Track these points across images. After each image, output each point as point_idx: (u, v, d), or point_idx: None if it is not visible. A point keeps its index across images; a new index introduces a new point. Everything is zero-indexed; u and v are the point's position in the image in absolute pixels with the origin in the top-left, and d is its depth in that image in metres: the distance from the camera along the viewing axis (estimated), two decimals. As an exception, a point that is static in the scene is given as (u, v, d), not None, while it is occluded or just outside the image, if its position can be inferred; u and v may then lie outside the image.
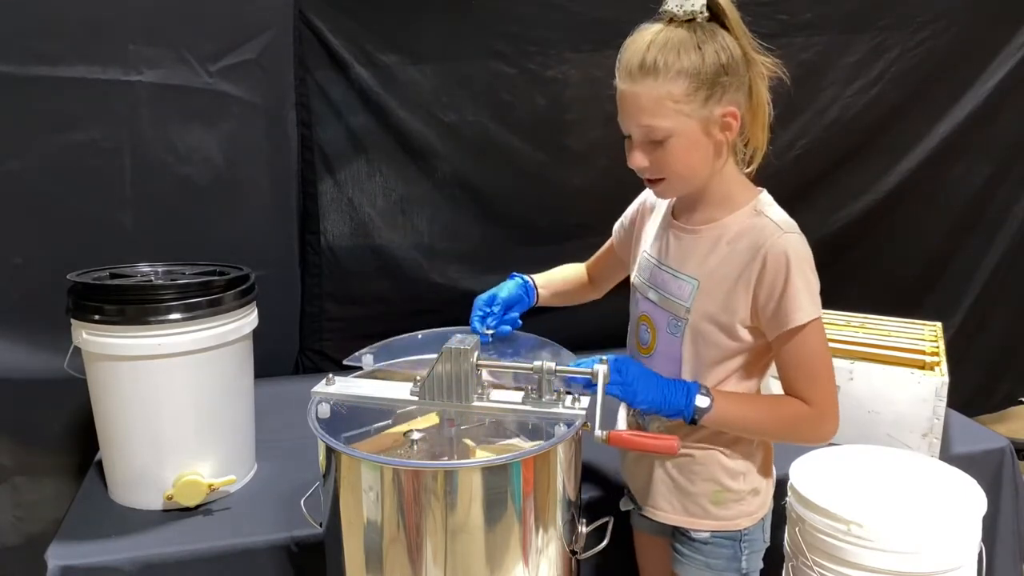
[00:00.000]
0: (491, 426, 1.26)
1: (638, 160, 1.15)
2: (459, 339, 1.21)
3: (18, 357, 1.87)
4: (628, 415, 1.32)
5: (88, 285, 1.45)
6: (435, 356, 1.19)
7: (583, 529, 1.23)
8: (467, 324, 1.38)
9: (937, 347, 1.81)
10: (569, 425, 1.14)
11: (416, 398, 1.22)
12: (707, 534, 1.26)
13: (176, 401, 1.47)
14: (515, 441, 1.22)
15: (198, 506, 1.50)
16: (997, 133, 2.50)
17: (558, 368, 1.18)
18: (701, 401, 1.14)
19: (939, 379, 1.65)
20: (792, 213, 1.18)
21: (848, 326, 1.96)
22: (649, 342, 1.26)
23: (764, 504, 1.28)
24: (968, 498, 1.31)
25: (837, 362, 1.68)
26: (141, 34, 1.86)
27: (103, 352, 1.43)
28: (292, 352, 2.26)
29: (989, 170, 2.56)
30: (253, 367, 1.63)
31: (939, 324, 1.98)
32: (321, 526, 1.23)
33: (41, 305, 1.74)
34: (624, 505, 1.40)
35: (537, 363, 1.18)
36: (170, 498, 1.47)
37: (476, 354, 1.19)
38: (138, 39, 1.86)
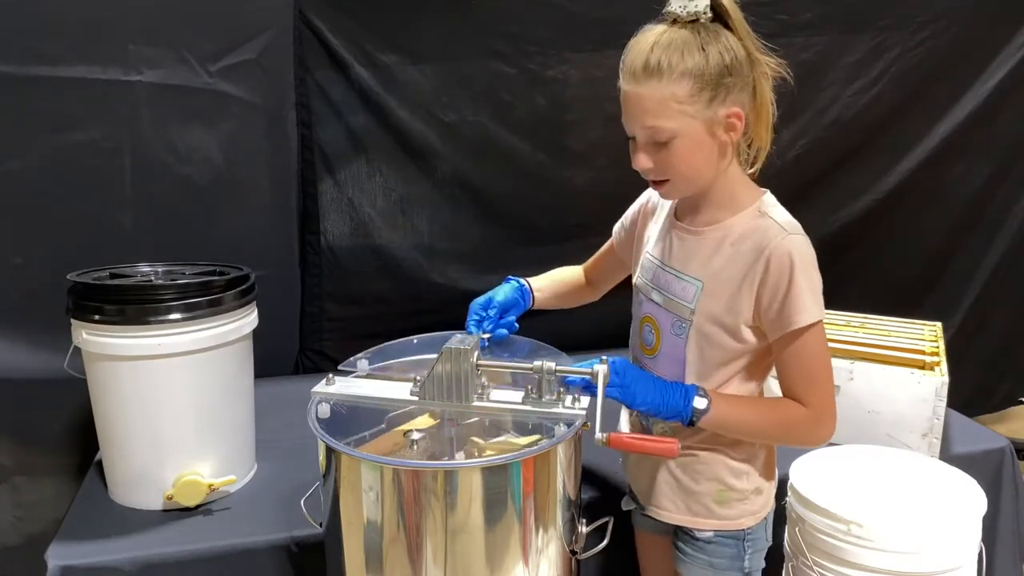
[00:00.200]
0: (489, 424, 1.26)
1: (642, 161, 1.15)
2: (459, 339, 1.21)
3: (18, 357, 1.87)
4: (631, 416, 1.33)
5: (88, 285, 1.45)
6: (435, 356, 1.19)
7: (583, 529, 1.23)
8: (465, 326, 1.37)
9: (937, 347, 1.81)
10: (569, 425, 1.14)
11: (416, 398, 1.22)
12: (711, 533, 1.26)
13: (176, 401, 1.47)
14: (506, 437, 1.22)
15: (198, 506, 1.50)
16: (997, 133, 2.50)
17: (558, 368, 1.18)
18: (699, 403, 1.14)
19: (939, 379, 1.65)
20: (792, 213, 1.18)
21: (848, 326, 1.96)
22: (653, 343, 1.25)
23: (767, 503, 1.28)
24: (968, 498, 1.31)
25: (837, 362, 1.69)
26: (141, 34, 1.86)
27: (103, 352, 1.43)
28: (292, 352, 2.26)
29: (989, 170, 2.56)
30: (253, 367, 1.63)
31: (939, 324, 1.98)
32: (321, 526, 1.23)
33: (41, 305, 1.74)
34: (626, 505, 1.40)
35: (537, 363, 1.18)
36: (170, 498, 1.47)
37: (476, 354, 1.19)
38: (138, 39, 1.86)
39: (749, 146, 1.19)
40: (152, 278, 1.58)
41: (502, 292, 1.41)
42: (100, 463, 1.59)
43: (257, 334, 1.60)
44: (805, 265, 1.12)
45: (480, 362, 1.20)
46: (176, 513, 1.49)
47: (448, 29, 2.12)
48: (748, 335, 1.17)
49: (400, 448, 1.22)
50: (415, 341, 1.41)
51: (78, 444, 1.92)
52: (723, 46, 1.09)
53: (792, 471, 1.38)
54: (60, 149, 1.85)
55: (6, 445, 1.92)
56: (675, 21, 1.10)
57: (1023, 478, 1.79)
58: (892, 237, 2.56)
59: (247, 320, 1.55)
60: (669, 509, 1.28)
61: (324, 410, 1.22)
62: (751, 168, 1.21)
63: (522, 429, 1.23)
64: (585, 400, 1.20)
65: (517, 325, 1.41)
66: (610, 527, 1.25)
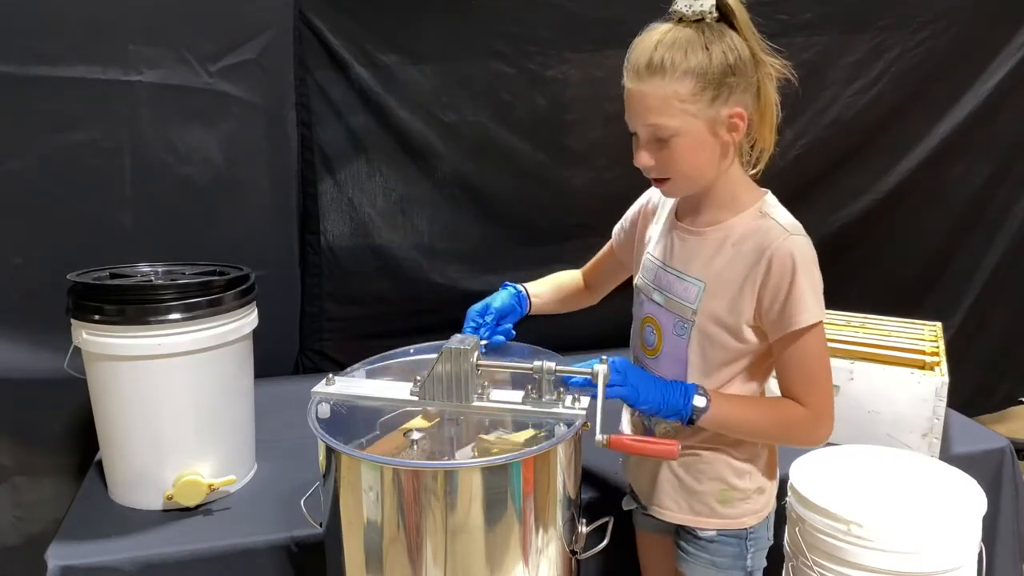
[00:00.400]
0: (489, 423, 1.26)
1: (644, 159, 1.15)
2: (459, 339, 1.21)
3: (18, 357, 1.87)
4: (632, 417, 1.33)
5: (88, 285, 1.45)
6: (435, 356, 1.20)
7: (583, 529, 1.23)
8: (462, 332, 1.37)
9: (937, 347, 1.81)
10: (569, 425, 1.14)
11: (416, 398, 1.22)
12: (713, 532, 1.26)
13: (176, 401, 1.47)
14: (499, 433, 1.22)
15: (198, 506, 1.50)
16: (997, 133, 2.50)
17: (558, 368, 1.18)
18: (698, 401, 1.14)
19: (939, 379, 1.65)
20: (792, 213, 1.18)
21: (848, 326, 1.96)
22: (655, 344, 1.25)
23: (769, 502, 1.29)
24: (968, 498, 1.31)
25: (837, 362, 1.69)
26: (141, 34, 1.86)
27: (103, 352, 1.43)
28: (292, 352, 2.26)
29: (989, 170, 2.56)
30: (253, 367, 1.62)
31: (939, 324, 1.98)
32: (321, 526, 1.23)
33: (41, 305, 1.74)
34: (627, 504, 1.40)
35: (537, 363, 1.18)
36: (170, 498, 1.47)
37: (476, 354, 1.19)
38: (138, 39, 1.86)
39: (752, 147, 1.19)
40: (152, 278, 1.58)
41: (499, 299, 1.41)
42: (100, 463, 1.59)
43: (257, 334, 1.60)
44: (806, 266, 1.12)
45: (480, 362, 1.20)
46: (176, 513, 1.49)
47: (448, 29, 2.12)
48: (750, 335, 1.17)
49: (401, 448, 1.22)
50: (411, 351, 1.41)
51: (78, 444, 1.92)
52: (727, 46, 1.09)
53: (792, 471, 1.38)
54: (60, 149, 1.85)
55: (6, 445, 1.92)
56: (681, 20, 1.10)
57: (1023, 478, 1.79)
58: (892, 237, 2.56)
59: (247, 320, 1.55)
60: (671, 509, 1.28)
61: (324, 410, 1.22)
62: (753, 169, 1.21)
63: (521, 429, 1.23)
64: (585, 400, 1.20)
65: (514, 332, 1.41)
66: (610, 527, 1.25)
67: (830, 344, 1.74)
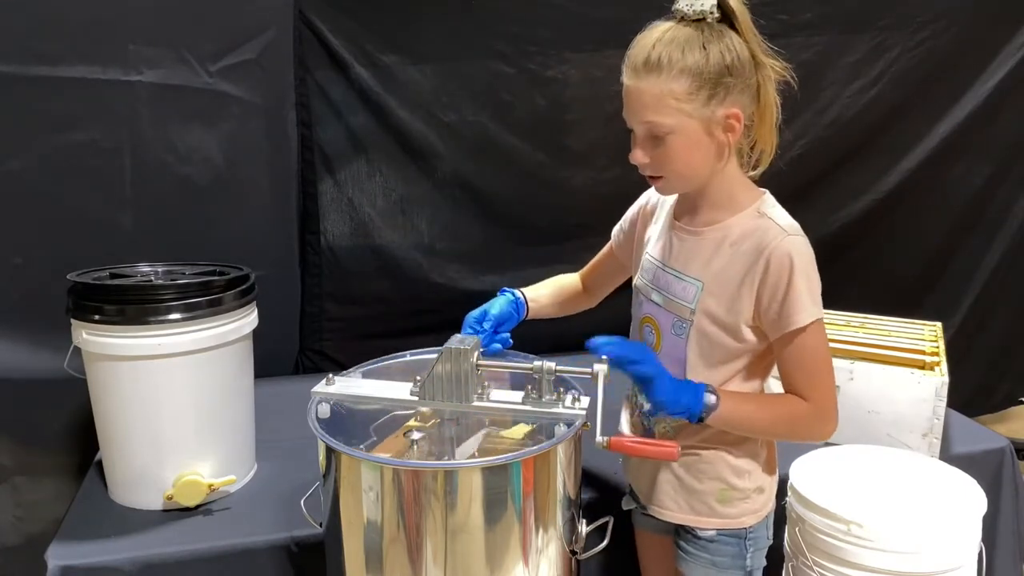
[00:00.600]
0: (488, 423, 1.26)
1: (639, 156, 1.16)
2: (459, 339, 1.21)
3: (18, 357, 1.87)
4: (632, 417, 1.33)
5: (88, 285, 1.45)
6: (435, 356, 1.20)
7: (583, 529, 1.23)
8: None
9: (937, 347, 1.81)
10: (569, 425, 1.14)
11: (416, 398, 1.22)
12: (713, 532, 1.26)
13: (176, 401, 1.47)
14: (487, 431, 1.22)
15: (198, 506, 1.50)
16: (997, 133, 2.50)
17: (558, 368, 1.18)
18: (708, 399, 1.14)
19: (939, 379, 1.65)
20: (792, 213, 1.19)
21: (848, 326, 1.96)
22: (654, 344, 1.25)
23: (768, 502, 1.29)
24: (968, 498, 1.31)
25: (837, 362, 1.68)
26: (141, 34, 1.86)
27: (103, 352, 1.43)
28: (292, 352, 2.26)
29: (989, 170, 2.56)
30: (253, 367, 1.62)
31: (939, 324, 1.98)
32: (321, 526, 1.24)
33: (41, 305, 1.74)
34: (626, 504, 1.40)
35: (537, 363, 1.18)
36: (170, 498, 1.47)
37: (476, 354, 1.19)
38: (138, 39, 1.86)
39: (752, 148, 1.19)
40: (152, 278, 1.58)
41: (497, 305, 1.39)
42: (100, 463, 1.59)
43: (257, 334, 1.60)
44: (804, 266, 1.13)
45: (480, 362, 1.20)
46: (176, 513, 1.49)
47: (448, 29, 2.12)
48: (748, 335, 1.17)
49: (401, 449, 1.22)
50: (408, 357, 1.41)
51: (78, 444, 1.92)
52: (725, 46, 1.09)
53: (792, 471, 1.38)
54: (60, 149, 1.85)
55: (6, 445, 1.92)
56: (682, 19, 1.11)
57: (1023, 478, 1.79)
58: (892, 237, 2.56)
59: (247, 320, 1.55)
60: (671, 508, 1.28)
61: (324, 410, 1.22)
62: (753, 171, 1.21)
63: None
64: (585, 400, 1.20)
65: (512, 341, 1.40)
66: (610, 527, 1.25)
67: (830, 344, 1.75)
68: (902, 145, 2.48)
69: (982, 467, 1.69)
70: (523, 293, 1.46)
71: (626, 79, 1.14)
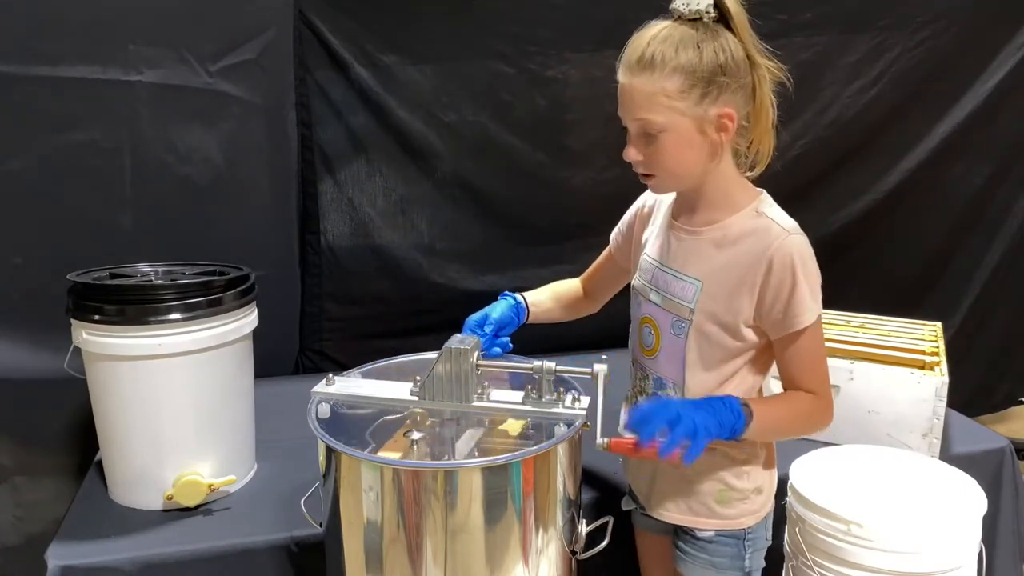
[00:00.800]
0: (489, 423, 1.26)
1: (632, 154, 1.16)
2: (459, 339, 1.21)
3: (18, 357, 1.87)
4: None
5: (88, 285, 1.45)
6: (435, 356, 1.20)
7: (583, 529, 1.23)
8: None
9: (937, 347, 1.81)
10: (569, 425, 1.14)
11: (416, 398, 1.22)
12: (712, 533, 1.26)
13: (176, 401, 1.47)
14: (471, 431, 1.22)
15: (198, 506, 1.50)
16: (997, 133, 2.50)
17: (558, 368, 1.18)
18: (744, 410, 1.12)
19: (939, 379, 1.65)
20: (792, 213, 1.19)
21: (848, 326, 1.96)
22: (653, 344, 1.25)
23: (767, 502, 1.29)
24: (968, 498, 1.31)
25: (837, 362, 1.69)
26: (141, 34, 1.86)
27: (103, 352, 1.43)
28: (292, 352, 2.26)
29: (989, 170, 2.56)
30: (253, 367, 1.62)
31: (939, 324, 1.98)
32: (321, 526, 1.24)
33: (41, 305, 1.74)
34: (626, 505, 1.40)
35: (537, 363, 1.18)
36: (170, 498, 1.47)
37: (476, 354, 1.19)
38: (138, 39, 1.86)
39: (748, 147, 1.19)
40: (152, 278, 1.58)
41: (498, 309, 1.39)
42: (100, 463, 1.59)
43: (257, 334, 1.60)
44: (807, 265, 1.13)
45: (480, 362, 1.20)
46: (176, 513, 1.48)
47: (448, 29, 2.12)
48: (748, 334, 1.18)
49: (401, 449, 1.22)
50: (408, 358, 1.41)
51: (78, 444, 1.92)
52: (719, 45, 1.09)
53: (792, 471, 1.38)
54: (60, 149, 1.85)
55: (6, 445, 1.92)
56: (679, 18, 1.11)
57: (1023, 478, 1.79)
58: (892, 237, 2.56)
59: (247, 320, 1.55)
60: (670, 509, 1.28)
61: (324, 410, 1.22)
62: (750, 171, 1.21)
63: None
64: (585, 400, 1.20)
65: (512, 345, 1.40)
66: (610, 527, 1.25)
67: (830, 344, 1.75)
68: (902, 145, 2.48)
69: (982, 467, 1.69)
70: (524, 297, 1.46)
71: (620, 76, 1.14)
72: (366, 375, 1.35)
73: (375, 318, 2.27)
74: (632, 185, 1.28)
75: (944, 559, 1.23)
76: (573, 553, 1.20)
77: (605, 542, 1.23)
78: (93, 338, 1.42)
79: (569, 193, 2.29)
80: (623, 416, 1.36)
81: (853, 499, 1.29)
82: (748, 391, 1.22)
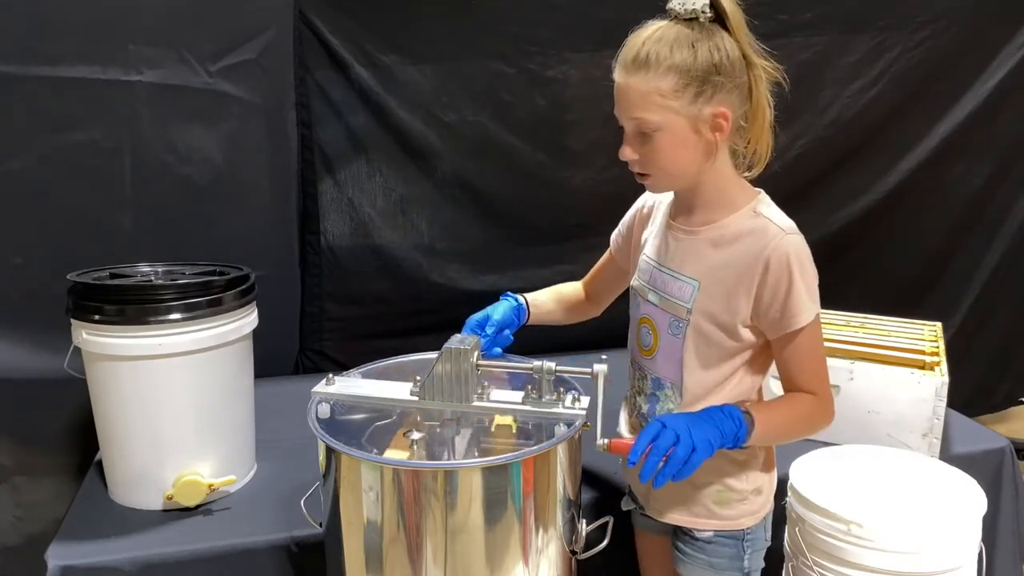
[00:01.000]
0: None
1: (627, 153, 1.16)
2: (459, 339, 1.21)
3: (18, 357, 1.87)
4: (631, 419, 1.33)
5: (88, 285, 1.45)
6: (435, 356, 1.20)
7: (583, 529, 1.23)
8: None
9: (937, 347, 1.81)
10: (569, 425, 1.14)
11: (416, 398, 1.22)
12: (710, 533, 1.26)
13: (176, 401, 1.47)
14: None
15: (198, 506, 1.50)
16: (997, 133, 2.50)
17: (558, 368, 1.18)
18: (746, 419, 1.12)
19: (939, 379, 1.65)
20: (792, 213, 1.18)
21: (848, 326, 1.96)
22: (651, 344, 1.26)
23: (766, 503, 1.29)
24: (968, 498, 1.31)
25: (837, 362, 1.69)
26: (141, 34, 1.86)
27: (103, 352, 1.43)
28: (292, 352, 2.26)
29: (989, 170, 2.56)
30: (253, 367, 1.62)
31: (939, 324, 1.98)
32: (321, 526, 1.24)
33: (41, 305, 1.74)
34: (625, 505, 1.40)
35: (537, 363, 1.18)
36: (170, 498, 1.47)
37: (476, 354, 1.19)
38: (138, 39, 1.86)
39: (746, 147, 1.19)
40: (152, 278, 1.58)
41: (499, 310, 1.39)
42: (100, 463, 1.59)
43: (257, 334, 1.60)
44: (804, 265, 1.13)
45: (480, 362, 1.20)
46: (176, 513, 1.49)
47: (448, 29, 2.12)
48: (745, 334, 1.18)
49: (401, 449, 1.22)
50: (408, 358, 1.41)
51: (78, 444, 1.92)
52: (714, 45, 1.09)
53: (792, 471, 1.38)
54: (60, 149, 1.85)
55: (6, 445, 1.92)
56: (675, 18, 1.11)
57: (1023, 478, 1.79)
58: (892, 237, 2.56)
59: (247, 320, 1.55)
60: (669, 509, 1.28)
61: (324, 410, 1.22)
62: (748, 172, 1.20)
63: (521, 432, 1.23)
64: (585, 400, 1.20)
65: (512, 339, 1.40)
66: (610, 527, 1.25)
67: (830, 344, 1.75)
68: (902, 145, 2.48)
69: (982, 467, 1.69)
70: (524, 298, 1.46)
71: (616, 76, 1.14)
72: (366, 375, 1.35)
73: (375, 318, 2.27)
74: (632, 185, 1.28)
75: (944, 559, 1.23)
76: (573, 553, 1.20)
77: (605, 542, 1.23)
78: (93, 338, 1.42)
79: (569, 193, 2.29)
80: (622, 417, 1.36)
81: (853, 499, 1.29)
82: (747, 391, 1.22)
